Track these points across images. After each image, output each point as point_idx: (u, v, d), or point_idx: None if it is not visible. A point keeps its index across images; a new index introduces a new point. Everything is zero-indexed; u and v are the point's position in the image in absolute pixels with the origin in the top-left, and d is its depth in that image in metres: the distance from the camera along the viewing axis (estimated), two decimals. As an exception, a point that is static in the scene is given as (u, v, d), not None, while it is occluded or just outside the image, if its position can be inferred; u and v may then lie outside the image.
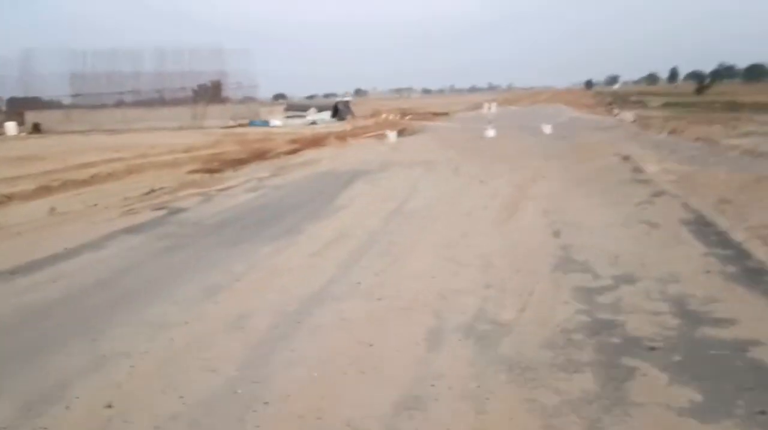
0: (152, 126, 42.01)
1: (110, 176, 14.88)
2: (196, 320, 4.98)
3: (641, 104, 54.17)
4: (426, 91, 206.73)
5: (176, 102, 47.76)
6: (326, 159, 17.78)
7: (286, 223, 8.67)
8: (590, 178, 11.41)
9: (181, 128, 41.68)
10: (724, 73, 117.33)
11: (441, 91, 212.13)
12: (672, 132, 23.07)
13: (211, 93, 49.97)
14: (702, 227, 7.18)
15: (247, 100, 51.22)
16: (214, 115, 45.69)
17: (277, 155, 20.12)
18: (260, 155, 19.74)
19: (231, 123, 44.73)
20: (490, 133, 23.35)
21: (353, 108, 51.32)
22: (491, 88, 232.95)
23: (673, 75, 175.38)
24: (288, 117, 46.32)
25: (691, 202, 8.46)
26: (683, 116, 35.46)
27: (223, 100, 51.73)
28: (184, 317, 5.03)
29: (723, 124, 29.94)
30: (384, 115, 49.20)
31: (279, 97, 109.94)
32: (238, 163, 17.63)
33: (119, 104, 47.43)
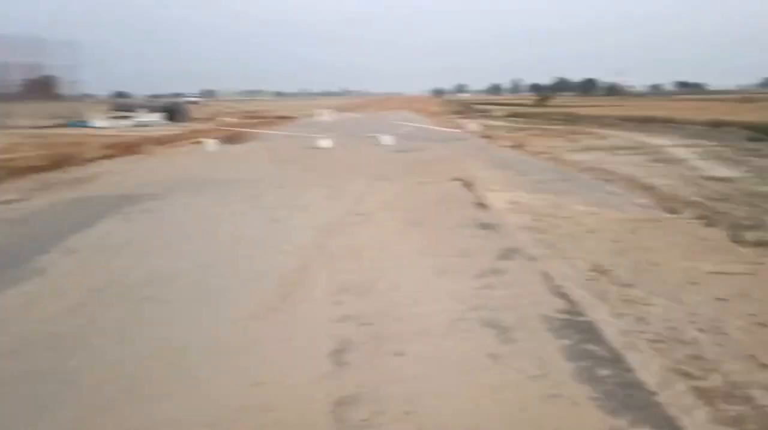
0: (-56, 125, 34.90)
1: None
2: None
3: (487, 113, 53.83)
4: (279, 94, 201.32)
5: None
6: (116, 173, 13.79)
7: None
8: (421, 216, 8.42)
9: (-21, 128, 34.88)
10: (561, 86, 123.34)
11: (295, 95, 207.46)
12: (516, 146, 21.20)
13: (32, 88, 42.95)
14: (582, 341, 4.25)
15: (74, 97, 44.79)
16: (25, 114, 38.99)
17: (79, 163, 16.29)
18: (64, 162, 16.09)
19: (46, 123, 38.42)
20: (325, 143, 20.23)
21: (191, 110, 46.45)
22: (345, 92, 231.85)
23: (516, 86, 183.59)
24: (114, 118, 40.57)
25: (554, 271, 5.60)
26: (526, 127, 34.58)
27: (53, 97, 45.05)
28: None
29: (564, 137, 29.05)
30: (226, 118, 44.95)
31: (120, 95, 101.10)
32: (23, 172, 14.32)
33: None
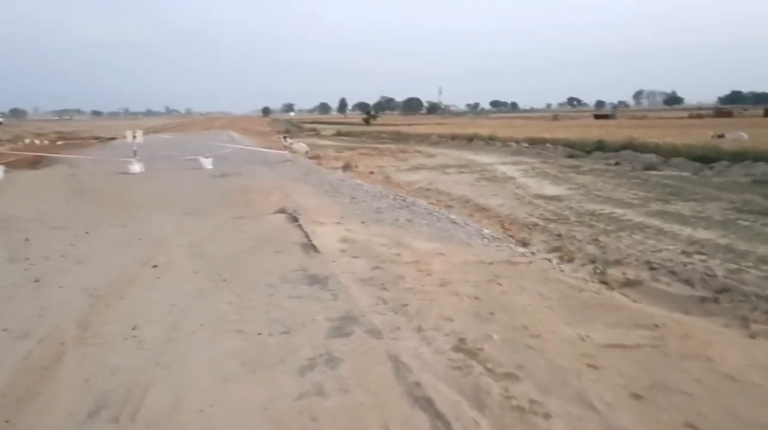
0: None
1: None
2: None
3: (315, 133, 52.59)
4: (96, 113, 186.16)
5: None
6: None
7: None
8: (234, 266, 6.51)
9: None
10: (386, 105, 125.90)
11: (115, 114, 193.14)
12: (346, 167, 19.87)
13: None
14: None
15: None
16: None
17: None
18: None
19: None
20: (136, 168, 17.48)
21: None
22: (169, 111, 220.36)
23: (343, 105, 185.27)
24: None
25: (407, 355, 3.99)
26: (354, 147, 33.67)
27: None
28: None
29: (393, 155, 28.39)
30: (27, 140, 39.37)
31: None
32: None
33: None
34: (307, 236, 7.88)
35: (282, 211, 9.83)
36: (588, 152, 22.14)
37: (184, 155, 22.40)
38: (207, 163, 18.55)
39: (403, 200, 11.61)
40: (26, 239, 8.08)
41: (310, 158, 23.11)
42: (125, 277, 6.19)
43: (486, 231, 9.05)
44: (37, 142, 38.26)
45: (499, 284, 5.42)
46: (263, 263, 6.61)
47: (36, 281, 6.17)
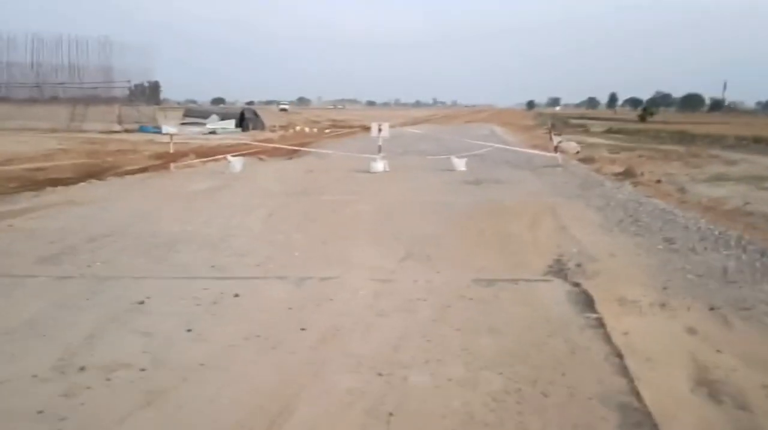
0: (23, 126, 32.38)
1: None
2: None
3: (584, 129, 46.52)
4: (370, 103, 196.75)
5: (55, 101, 37.66)
6: (57, 210, 8.92)
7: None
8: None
9: (54, 131, 32.02)
10: (660, 101, 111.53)
11: (386, 104, 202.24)
12: (627, 173, 14.90)
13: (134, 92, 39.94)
14: None
15: (163, 102, 41.87)
16: (97, 118, 35.94)
17: (118, 174, 13.73)
18: (93, 174, 13.53)
19: (116, 128, 35.22)
20: (378, 166, 14.77)
21: (276, 116, 42.36)
22: (436, 103, 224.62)
23: (613, 100, 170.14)
24: (183, 124, 36.87)
25: None
26: (631, 147, 27.61)
27: (155, 101, 42.32)
28: None
29: (681, 160, 22.13)
30: (298, 128, 40.50)
31: (218, 101, 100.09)
32: (42, 185, 11.38)
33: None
34: (615, 349, 3.81)
35: (558, 269, 5.74)
36: None
37: (439, 152, 19.34)
38: (460, 164, 15.13)
39: (754, 244, 6.73)
40: (140, 302, 4.82)
41: (581, 161, 18.41)
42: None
43: None
44: (306, 129, 38.96)
45: None
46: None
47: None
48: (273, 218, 8.45)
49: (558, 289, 5.20)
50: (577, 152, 19.71)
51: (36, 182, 11.90)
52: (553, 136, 19.02)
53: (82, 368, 3.61)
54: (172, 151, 15.58)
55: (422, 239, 7.01)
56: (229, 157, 14.94)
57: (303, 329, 4.27)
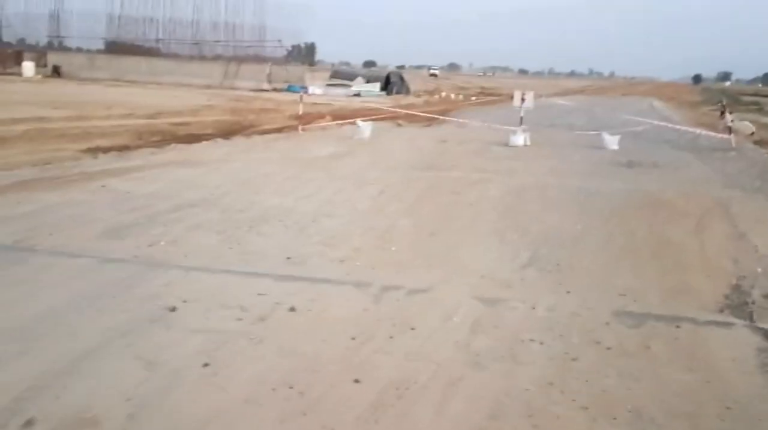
0: (179, 81, 34.36)
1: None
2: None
3: (758, 107, 40.66)
4: (522, 72, 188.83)
5: (213, 57, 39.30)
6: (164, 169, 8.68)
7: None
8: None
9: (208, 87, 33.56)
10: None
11: (539, 73, 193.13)
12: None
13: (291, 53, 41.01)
14: None
15: (305, 62, 42.49)
16: (248, 76, 37.08)
17: (253, 134, 13.78)
18: (232, 131, 13.78)
19: (265, 86, 36.16)
20: (519, 140, 13.32)
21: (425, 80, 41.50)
22: (592, 74, 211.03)
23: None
24: (329, 85, 37.00)
25: None
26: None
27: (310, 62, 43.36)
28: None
29: None
30: (443, 94, 39.21)
31: (369, 64, 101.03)
32: (181, 140, 11.61)
33: (152, 53, 39.40)
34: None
35: (738, 302, 4.18)
36: None
37: (589, 127, 17.31)
38: (612, 141, 13.25)
39: None
40: (172, 309, 3.79)
41: (757, 143, 15.58)
42: None
43: None
44: (452, 95, 37.55)
45: None
46: None
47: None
48: (384, 195, 7.47)
49: (742, 341, 3.64)
50: (752, 134, 16.71)
51: (176, 137, 11.99)
52: (723, 115, 16.27)
53: (28, 422, 2.50)
54: (300, 112, 15.07)
55: (554, 239, 5.70)
56: (358, 121, 14.21)
57: (357, 382, 3.00)
